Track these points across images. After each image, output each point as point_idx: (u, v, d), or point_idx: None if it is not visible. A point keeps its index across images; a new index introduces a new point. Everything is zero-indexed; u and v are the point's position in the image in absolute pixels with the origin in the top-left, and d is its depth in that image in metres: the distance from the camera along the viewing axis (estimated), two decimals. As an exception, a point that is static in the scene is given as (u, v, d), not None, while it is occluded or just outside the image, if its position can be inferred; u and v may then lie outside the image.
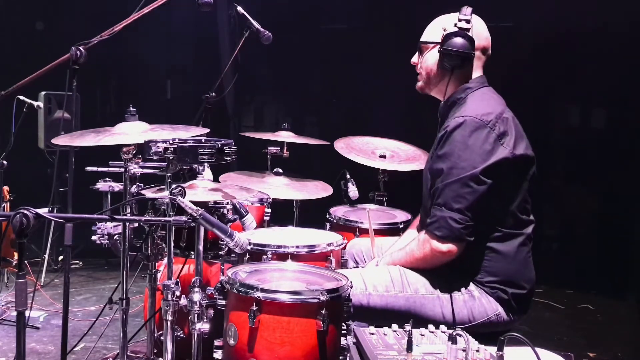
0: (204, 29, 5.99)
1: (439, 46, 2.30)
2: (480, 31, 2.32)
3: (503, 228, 2.24)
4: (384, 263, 2.42)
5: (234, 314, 2.02)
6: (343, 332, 2.07)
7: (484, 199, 2.15)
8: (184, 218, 1.95)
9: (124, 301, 2.53)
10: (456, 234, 2.15)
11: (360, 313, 2.22)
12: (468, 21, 2.25)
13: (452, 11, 2.35)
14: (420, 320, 2.18)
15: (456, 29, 2.26)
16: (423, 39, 2.41)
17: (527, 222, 2.30)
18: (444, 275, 2.26)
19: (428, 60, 2.38)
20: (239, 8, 3.41)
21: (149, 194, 2.36)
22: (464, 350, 1.57)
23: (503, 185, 2.19)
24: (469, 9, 2.28)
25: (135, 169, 2.46)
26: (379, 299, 2.24)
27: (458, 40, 2.24)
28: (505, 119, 2.22)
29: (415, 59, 2.46)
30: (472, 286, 2.26)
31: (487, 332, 2.15)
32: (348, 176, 3.42)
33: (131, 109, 2.47)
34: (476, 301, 2.23)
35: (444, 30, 2.30)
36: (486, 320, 2.23)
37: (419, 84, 2.46)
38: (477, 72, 2.36)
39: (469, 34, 2.25)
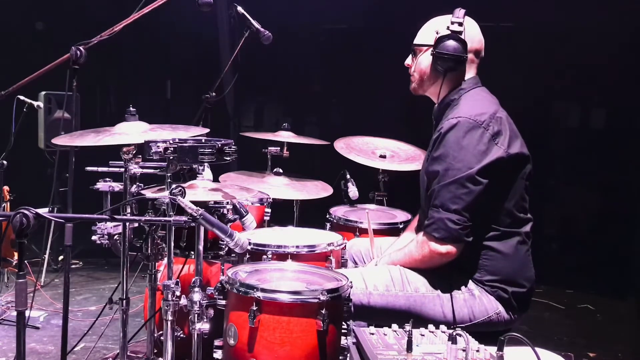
0: (204, 29, 6.00)
1: (431, 49, 2.32)
2: (473, 34, 2.33)
3: (501, 227, 2.25)
4: (382, 263, 2.43)
5: (234, 314, 2.02)
6: (343, 331, 2.07)
7: (481, 199, 2.16)
8: (184, 218, 1.95)
9: (124, 301, 2.53)
10: (454, 235, 2.16)
11: (360, 312, 2.23)
12: (460, 24, 2.27)
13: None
14: (420, 319, 2.20)
15: (449, 32, 2.27)
16: (416, 41, 2.43)
17: (525, 220, 2.31)
18: (444, 274, 2.26)
19: (421, 63, 2.40)
20: (239, 8, 3.41)
21: (149, 194, 2.36)
22: (463, 350, 1.57)
23: (499, 184, 2.20)
24: (462, 11, 2.30)
25: (135, 169, 2.47)
26: (379, 298, 2.24)
27: (450, 43, 2.26)
28: (499, 118, 2.24)
29: (409, 61, 2.48)
30: (472, 285, 2.27)
31: (487, 332, 2.15)
32: (348, 176, 3.42)
33: (131, 109, 2.47)
34: (476, 300, 2.24)
35: (437, 33, 2.32)
36: (486, 319, 2.24)
37: (413, 85, 2.48)
38: (470, 74, 2.37)
39: (462, 36, 2.27)
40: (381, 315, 2.24)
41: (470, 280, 2.27)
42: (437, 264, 2.24)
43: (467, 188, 2.15)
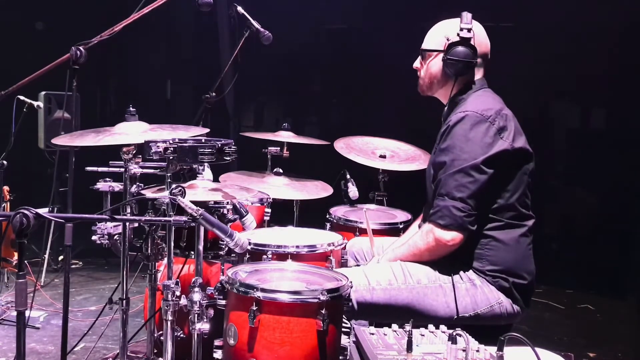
0: (204, 29, 6.00)
1: (442, 54, 2.37)
2: (481, 39, 2.39)
3: (504, 218, 2.29)
4: (386, 259, 2.44)
5: (234, 314, 2.02)
6: (343, 331, 2.07)
7: (486, 189, 2.20)
8: (184, 218, 1.95)
9: (124, 301, 2.53)
10: (459, 222, 2.19)
11: (364, 309, 2.25)
12: (469, 30, 2.32)
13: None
14: (423, 311, 2.24)
15: (459, 38, 2.32)
16: (426, 46, 2.47)
17: (528, 217, 2.35)
18: (445, 264, 2.29)
19: (432, 68, 2.45)
20: (239, 8, 3.41)
21: (149, 194, 2.36)
22: (464, 350, 1.57)
23: (504, 176, 2.26)
24: (469, 16, 2.34)
25: (135, 169, 2.46)
26: (382, 293, 2.26)
27: (462, 49, 2.32)
28: (505, 114, 2.30)
29: (417, 64, 2.52)
30: (473, 275, 2.30)
31: (489, 330, 2.16)
32: (348, 176, 3.42)
33: (131, 109, 2.47)
34: (478, 289, 2.27)
35: (447, 39, 2.36)
36: (489, 310, 2.25)
37: (421, 87, 2.53)
38: (478, 75, 2.43)
39: (472, 42, 2.32)
40: (384, 311, 2.26)
41: (471, 270, 2.30)
42: (442, 253, 2.27)
43: (472, 177, 2.19)
